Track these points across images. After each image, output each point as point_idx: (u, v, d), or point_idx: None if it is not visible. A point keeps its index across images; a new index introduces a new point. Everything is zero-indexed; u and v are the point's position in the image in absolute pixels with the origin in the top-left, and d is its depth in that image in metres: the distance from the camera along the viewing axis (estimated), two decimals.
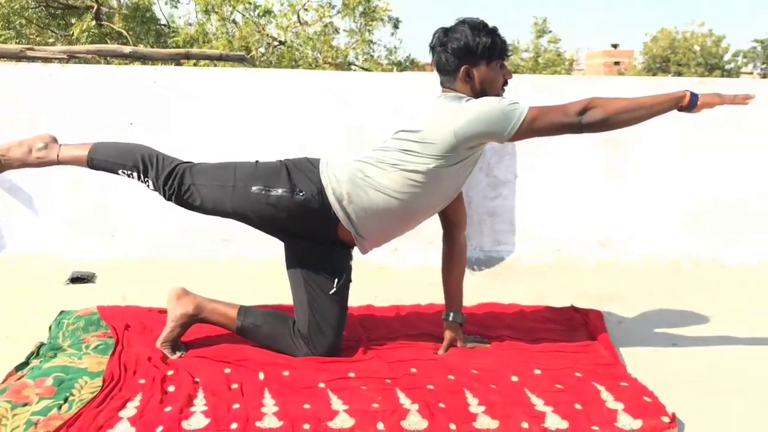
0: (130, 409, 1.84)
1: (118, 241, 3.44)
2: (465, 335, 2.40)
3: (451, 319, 2.35)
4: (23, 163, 2.26)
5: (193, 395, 1.93)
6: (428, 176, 2.07)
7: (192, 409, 1.85)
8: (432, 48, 2.18)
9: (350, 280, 2.25)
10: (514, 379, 2.08)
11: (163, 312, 2.38)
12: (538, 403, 1.92)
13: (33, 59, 3.51)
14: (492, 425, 1.82)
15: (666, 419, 1.84)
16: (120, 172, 2.22)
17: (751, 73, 30.27)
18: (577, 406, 1.91)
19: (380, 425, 1.80)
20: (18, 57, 3.54)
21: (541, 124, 2.01)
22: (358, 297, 2.63)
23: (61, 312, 2.62)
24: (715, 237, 3.59)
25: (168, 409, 1.85)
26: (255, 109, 3.47)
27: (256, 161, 2.20)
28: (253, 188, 2.10)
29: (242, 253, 3.40)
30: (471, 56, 2.11)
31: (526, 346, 2.36)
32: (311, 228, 2.15)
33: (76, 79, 3.36)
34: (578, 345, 2.39)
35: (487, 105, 2.03)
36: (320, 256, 2.18)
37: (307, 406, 1.88)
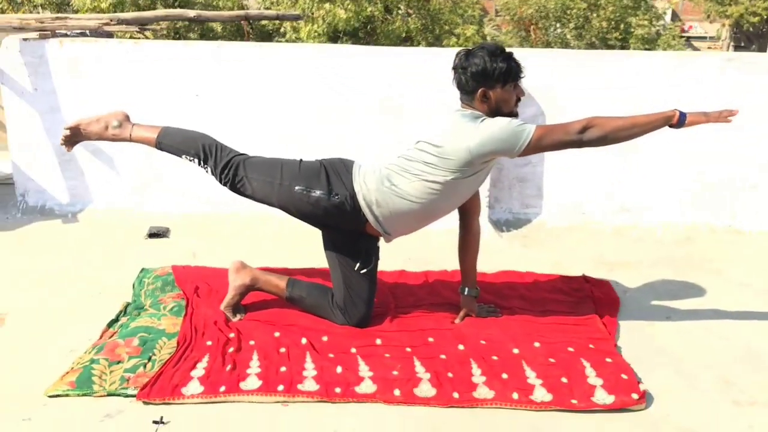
0: (200, 370, 2.31)
1: (187, 198, 3.89)
2: (480, 304, 2.77)
3: (466, 293, 2.72)
4: (99, 137, 2.68)
5: (249, 357, 2.39)
6: (446, 186, 2.40)
7: (248, 371, 2.31)
8: (454, 69, 2.45)
9: (378, 259, 2.64)
10: (516, 351, 2.46)
11: (226, 274, 2.82)
12: (531, 376, 2.31)
13: (110, 34, 3.89)
14: (488, 395, 2.22)
15: (636, 396, 2.20)
16: (183, 156, 2.62)
17: None
18: (564, 380, 2.29)
19: (397, 392, 2.22)
20: (97, 32, 3.92)
21: (547, 142, 2.31)
22: (393, 258, 3.04)
23: (142, 269, 3.13)
24: (732, 204, 3.79)
25: (228, 368, 2.31)
26: (303, 85, 3.77)
27: (300, 160, 2.56)
28: (296, 188, 2.48)
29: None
30: (488, 80, 2.38)
31: (532, 318, 2.72)
32: (344, 224, 2.52)
33: (148, 55, 3.72)
34: (579, 318, 2.74)
35: (499, 126, 2.32)
36: (352, 244, 2.57)
37: (339, 369, 2.32)
